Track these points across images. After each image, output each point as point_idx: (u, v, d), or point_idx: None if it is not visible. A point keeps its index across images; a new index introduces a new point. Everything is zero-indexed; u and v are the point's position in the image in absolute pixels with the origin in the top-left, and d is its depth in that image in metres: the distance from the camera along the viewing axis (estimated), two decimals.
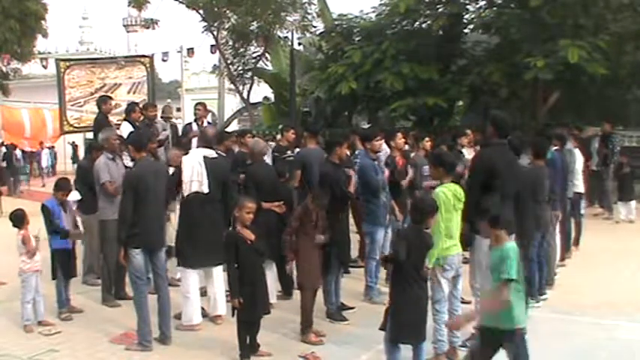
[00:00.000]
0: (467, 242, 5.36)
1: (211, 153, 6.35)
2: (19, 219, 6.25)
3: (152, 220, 5.65)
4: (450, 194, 5.08)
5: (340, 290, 6.45)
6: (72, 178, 7.63)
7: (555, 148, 7.73)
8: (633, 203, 12.17)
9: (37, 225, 6.48)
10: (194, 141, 9.08)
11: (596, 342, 5.67)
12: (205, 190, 6.11)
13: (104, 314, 6.68)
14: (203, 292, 6.39)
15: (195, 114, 10.07)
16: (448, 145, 8.14)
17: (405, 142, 8.14)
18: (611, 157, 12.58)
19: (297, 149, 8.68)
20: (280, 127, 13.75)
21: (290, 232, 5.78)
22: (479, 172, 5.48)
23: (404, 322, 4.55)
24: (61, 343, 5.78)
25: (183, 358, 5.45)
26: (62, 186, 6.64)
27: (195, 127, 9.67)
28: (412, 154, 8.01)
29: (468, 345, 5.37)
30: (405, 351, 4.69)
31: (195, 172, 6.12)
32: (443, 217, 5.00)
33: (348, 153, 7.55)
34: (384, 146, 7.91)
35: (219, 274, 6.28)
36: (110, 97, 9.73)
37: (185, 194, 6.13)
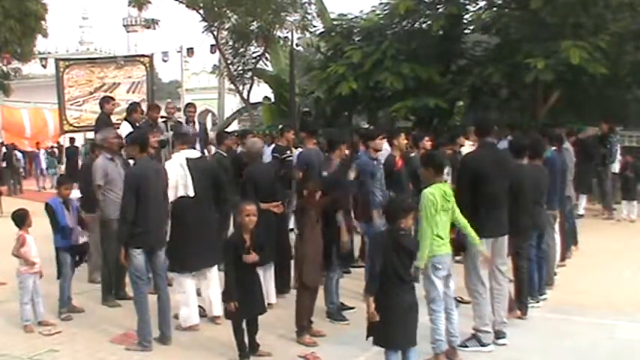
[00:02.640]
0: (460, 245, 5.35)
1: (195, 154, 6.34)
2: (20, 219, 6.27)
3: (152, 220, 5.64)
4: (437, 194, 5.04)
5: (340, 290, 6.45)
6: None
7: (554, 148, 7.74)
8: (636, 203, 12.21)
9: (39, 226, 6.49)
10: None
11: (596, 342, 5.67)
12: (191, 193, 6.08)
13: (104, 314, 6.69)
14: (198, 293, 6.38)
15: (186, 115, 10.07)
16: (445, 145, 8.14)
17: (407, 144, 8.13)
18: (609, 157, 12.61)
19: (299, 149, 8.66)
20: (280, 127, 13.74)
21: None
22: (463, 174, 5.50)
23: (388, 329, 4.47)
24: (61, 343, 5.78)
25: (183, 358, 5.45)
26: (62, 181, 6.68)
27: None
28: (412, 155, 8.01)
29: (468, 345, 5.39)
30: None
31: (179, 176, 6.09)
32: (431, 218, 4.98)
33: (348, 153, 7.55)
34: (386, 145, 7.91)
35: (213, 275, 6.27)
36: (112, 98, 9.73)
37: (171, 199, 6.09)
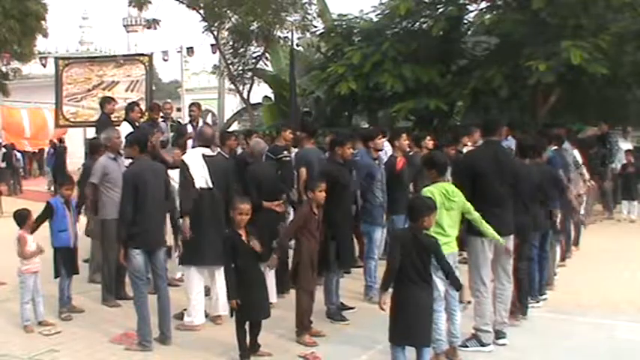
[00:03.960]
0: (462, 243, 5.36)
1: (209, 151, 6.36)
2: (21, 218, 6.27)
3: (151, 220, 5.64)
4: (436, 193, 5.07)
5: (340, 290, 6.45)
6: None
7: (555, 148, 7.73)
8: (636, 203, 12.23)
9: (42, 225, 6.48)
10: (189, 142, 9.08)
11: (596, 342, 5.67)
12: (210, 185, 6.12)
13: (104, 314, 6.69)
14: (207, 292, 6.38)
15: (189, 115, 10.04)
16: (447, 145, 8.13)
17: (408, 144, 8.11)
18: (609, 157, 12.62)
19: (295, 149, 8.65)
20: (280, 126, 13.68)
21: (289, 232, 5.75)
22: (461, 172, 5.51)
23: (404, 325, 4.51)
24: (61, 343, 5.78)
25: (183, 358, 5.45)
26: (63, 181, 6.67)
27: (190, 128, 9.64)
28: (412, 153, 8.00)
29: (468, 345, 5.39)
30: (408, 352, 4.68)
31: (199, 168, 6.13)
32: None
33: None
34: (387, 146, 7.91)
35: (222, 274, 6.26)
36: (113, 99, 9.73)
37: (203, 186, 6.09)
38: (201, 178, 6.12)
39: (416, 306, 4.51)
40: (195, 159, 6.19)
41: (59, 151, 21.58)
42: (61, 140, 21.92)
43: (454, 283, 4.78)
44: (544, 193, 6.57)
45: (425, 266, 4.55)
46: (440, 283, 5.09)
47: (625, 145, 13.19)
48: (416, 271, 4.50)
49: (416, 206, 4.71)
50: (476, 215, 5.21)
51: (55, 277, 6.52)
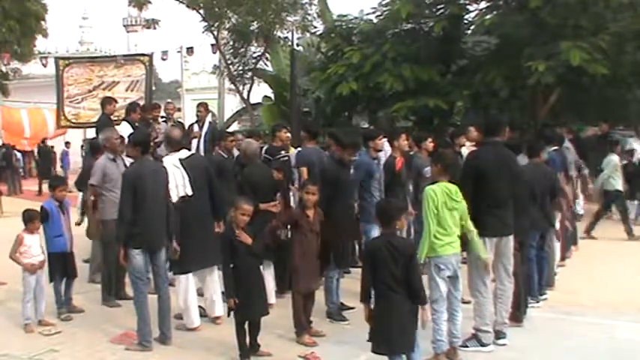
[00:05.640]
0: (463, 244, 5.36)
1: (184, 153, 6.34)
2: (26, 218, 6.26)
3: (152, 220, 5.64)
4: (439, 191, 5.08)
5: (340, 290, 6.45)
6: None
7: (554, 148, 7.73)
8: (637, 203, 12.21)
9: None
10: (194, 142, 9.07)
11: (596, 342, 5.67)
12: (189, 192, 6.09)
13: (104, 314, 6.69)
14: (200, 293, 6.38)
15: (197, 115, 10.02)
16: (446, 144, 8.13)
17: (408, 143, 8.10)
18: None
19: (299, 149, 8.65)
20: (272, 127, 13.64)
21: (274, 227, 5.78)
22: (467, 172, 5.50)
23: (383, 333, 4.46)
24: (61, 343, 5.78)
25: (183, 358, 5.45)
26: (55, 183, 6.64)
27: (196, 128, 9.64)
28: (412, 154, 8.00)
29: (468, 345, 5.39)
30: None
31: (176, 176, 6.09)
32: (432, 215, 5.01)
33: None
34: (386, 145, 7.90)
35: (213, 275, 6.27)
36: (114, 100, 9.73)
37: (174, 200, 6.06)
38: (180, 187, 6.08)
39: (394, 314, 4.40)
40: (171, 167, 6.10)
41: (45, 151, 21.51)
42: (44, 140, 21.95)
43: (416, 295, 4.41)
44: (543, 194, 6.56)
45: (402, 272, 4.38)
46: (442, 283, 5.09)
47: (636, 144, 13.15)
48: (394, 278, 4.36)
49: (386, 210, 4.62)
50: (474, 233, 5.20)
51: (51, 282, 6.50)
